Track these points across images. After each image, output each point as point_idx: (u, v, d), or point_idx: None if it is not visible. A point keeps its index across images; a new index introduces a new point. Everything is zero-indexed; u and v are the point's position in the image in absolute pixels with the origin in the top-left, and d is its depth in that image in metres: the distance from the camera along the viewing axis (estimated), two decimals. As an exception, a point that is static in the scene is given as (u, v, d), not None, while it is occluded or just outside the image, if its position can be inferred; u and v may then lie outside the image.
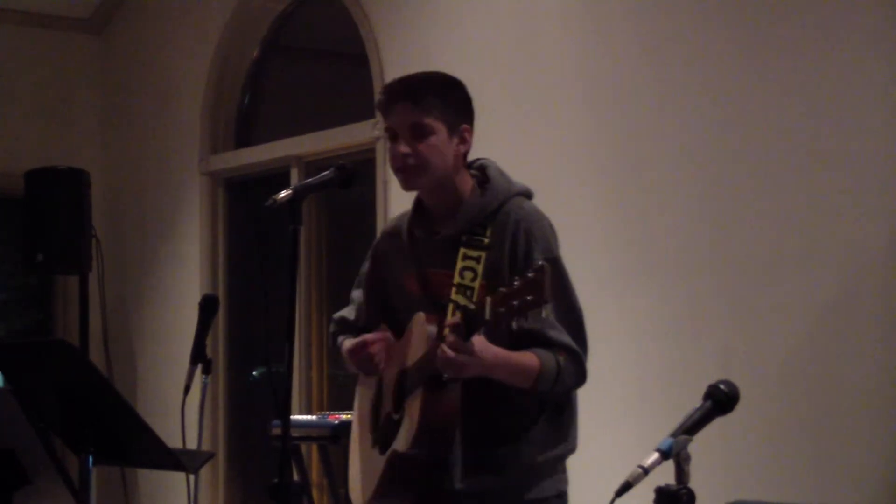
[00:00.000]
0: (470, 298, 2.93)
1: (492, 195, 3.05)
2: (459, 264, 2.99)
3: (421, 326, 2.95)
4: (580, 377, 3.00)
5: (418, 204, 3.16)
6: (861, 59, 4.01)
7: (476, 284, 2.95)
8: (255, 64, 6.80)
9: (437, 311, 2.95)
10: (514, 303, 2.63)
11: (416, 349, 2.97)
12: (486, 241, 2.99)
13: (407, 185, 3.07)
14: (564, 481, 3.10)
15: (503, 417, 3.01)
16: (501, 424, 3.00)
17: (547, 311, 2.64)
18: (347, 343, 3.19)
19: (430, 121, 3.01)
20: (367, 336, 3.14)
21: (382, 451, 3.04)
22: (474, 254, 2.99)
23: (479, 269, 2.97)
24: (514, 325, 2.65)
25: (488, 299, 2.70)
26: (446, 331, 2.79)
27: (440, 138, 3.01)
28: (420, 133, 3.01)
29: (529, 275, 2.63)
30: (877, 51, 3.97)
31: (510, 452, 3.00)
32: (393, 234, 3.22)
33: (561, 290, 2.96)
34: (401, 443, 2.94)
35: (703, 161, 4.42)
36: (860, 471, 3.95)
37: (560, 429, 3.05)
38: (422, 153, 3.01)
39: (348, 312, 3.31)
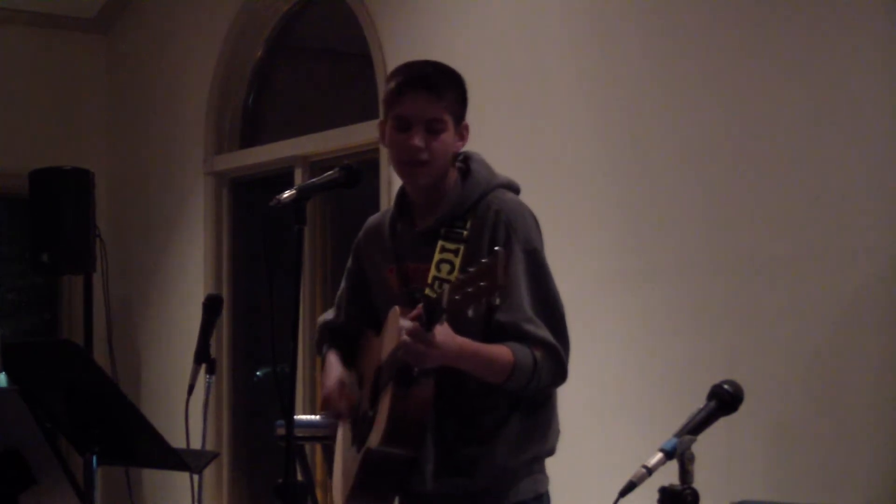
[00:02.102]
0: None
1: (472, 186, 2.97)
2: (437, 257, 2.91)
3: (395, 320, 2.87)
4: (559, 374, 2.90)
5: (400, 197, 3.09)
6: (866, 59, 4.01)
7: (453, 277, 2.85)
8: (260, 64, 6.81)
9: (413, 305, 2.85)
10: (469, 289, 2.56)
11: (389, 344, 2.91)
12: (465, 233, 2.91)
13: (414, 181, 2.98)
14: (543, 483, 3.00)
15: (477, 418, 2.92)
16: (475, 425, 2.92)
17: (500, 298, 2.57)
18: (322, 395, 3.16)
19: (446, 116, 2.94)
20: (326, 393, 3.10)
21: (359, 449, 2.99)
22: (452, 246, 2.91)
23: (457, 261, 2.89)
24: (469, 312, 2.58)
25: (446, 287, 2.65)
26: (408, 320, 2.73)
27: (449, 135, 2.95)
28: (436, 129, 2.93)
29: (484, 260, 2.57)
30: (882, 50, 3.97)
31: (483, 454, 2.91)
32: (374, 229, 3.16)
33: (539, 283, 2.90)
34: (373, 440, 2.88)
35: (709, 161, 4.41)
36: (864, 471, 3.95)
37: (536, 430, 2.96)
38: (434, 150, 2.93)
39: (331, 314, 3.28)
